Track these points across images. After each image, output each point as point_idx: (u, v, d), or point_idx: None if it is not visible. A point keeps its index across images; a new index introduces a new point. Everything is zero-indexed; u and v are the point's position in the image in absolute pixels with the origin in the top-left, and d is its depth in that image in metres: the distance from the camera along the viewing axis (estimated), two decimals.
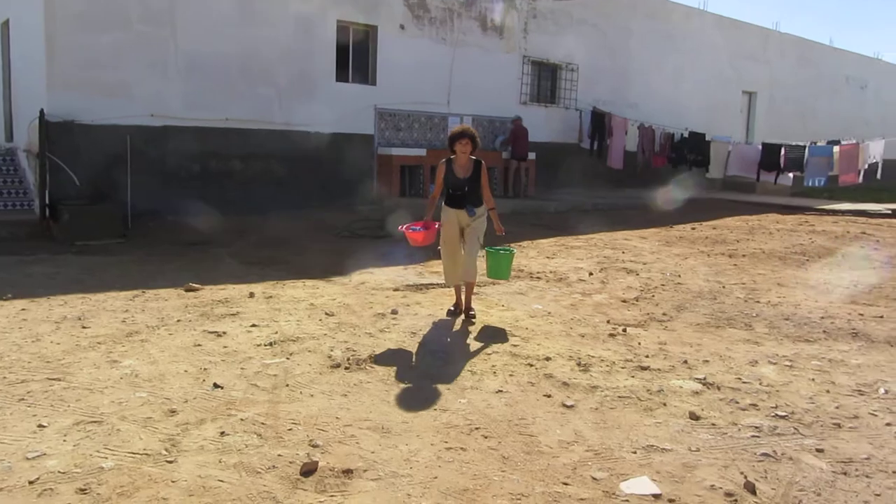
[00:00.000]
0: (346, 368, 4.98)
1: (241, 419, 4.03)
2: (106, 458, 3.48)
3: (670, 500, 3.28)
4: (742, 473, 3.55)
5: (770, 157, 17.40)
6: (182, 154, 12.03)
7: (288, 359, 5.13)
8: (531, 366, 5.15)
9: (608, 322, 6.47)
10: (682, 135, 18.77)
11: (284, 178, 13.30)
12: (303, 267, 8.76)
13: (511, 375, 4.94)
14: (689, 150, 18.46)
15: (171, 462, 3.47)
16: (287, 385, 4.61)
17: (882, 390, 4.81)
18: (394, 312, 6.52)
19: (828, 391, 4.77)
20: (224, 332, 5.71)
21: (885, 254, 10.19)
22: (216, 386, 4.53)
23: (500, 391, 4.64)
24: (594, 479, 3.47)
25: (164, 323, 5.98)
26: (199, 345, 5.40)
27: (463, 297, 6.47)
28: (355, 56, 14.42)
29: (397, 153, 14.57)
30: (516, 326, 6.21)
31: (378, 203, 14.37)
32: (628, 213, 14.79)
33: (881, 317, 6.75)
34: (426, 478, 3.43)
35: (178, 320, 6.07)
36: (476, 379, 4.84)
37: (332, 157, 14.02)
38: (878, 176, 17.69)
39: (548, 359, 5.29)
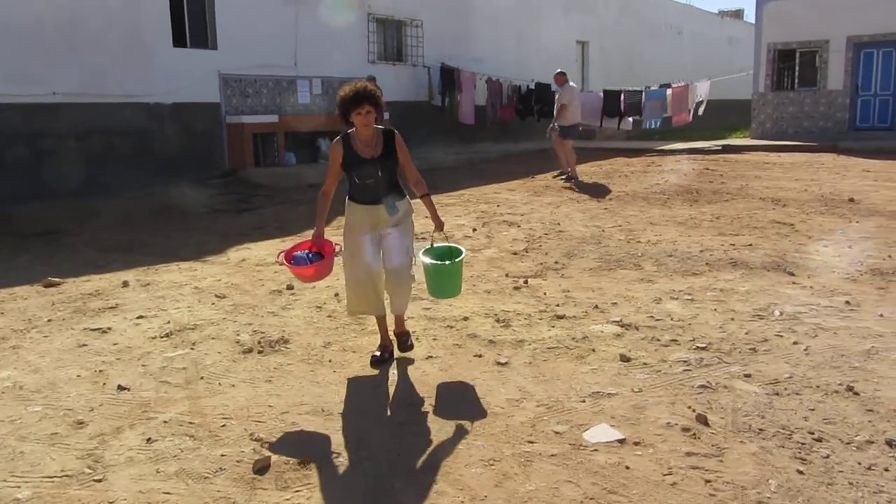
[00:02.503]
0: (260, 352, 4.64)
1: (164, 421, 3.63)
2: (18, 486, 3.01)
3: (636, 443, 3.31)
4: (689, 407, 3.66)
5: (611, 103, 18.18)
6: (6, 135, 10.69)
7: (192, 349, 4.71)
8: (451, 327, 5.05)
9: (507, 275, 6.48)
10: (528, 86, 19.18)
11: (128, 155, 12.21)
12: (170, 249, 8.10)
13: (435, 339, 4.82)
14: (536, 101, 18.91)
15: (99, 481, 3.05)
16: (202, 378, 4.23)
17: (777, 312, 5.15)
18: (290, 288, 6.16)
19: (732, 319, 5.04)
20: (109, 328, 5.15)
21: (733, 186, 10.98)
22: (121, 388, 4.06)
23: (430, 357, 4.50)
24: (556, 433, 3.44)
25: (32, 325, 5.30)
26: (83, 345, 4.82)
27: (389, 327, 4.59)
28: (192, 19, 13.39)
29: (248, 121, 13.79)
30: (419, 289, 6.06)
31: (232, 175, 13.62)
32: (488, 167, 14.97)
33: (751, 245, 7.25)
34: (389, 457, 3.26)
35: (49, 320, 5.40)
36: None
37: (178, 130, 13.04)
38: (700, 112, 19.02)
39: (465, 319, 5.21)
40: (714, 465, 3.11)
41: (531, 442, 3.36)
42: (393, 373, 4.25)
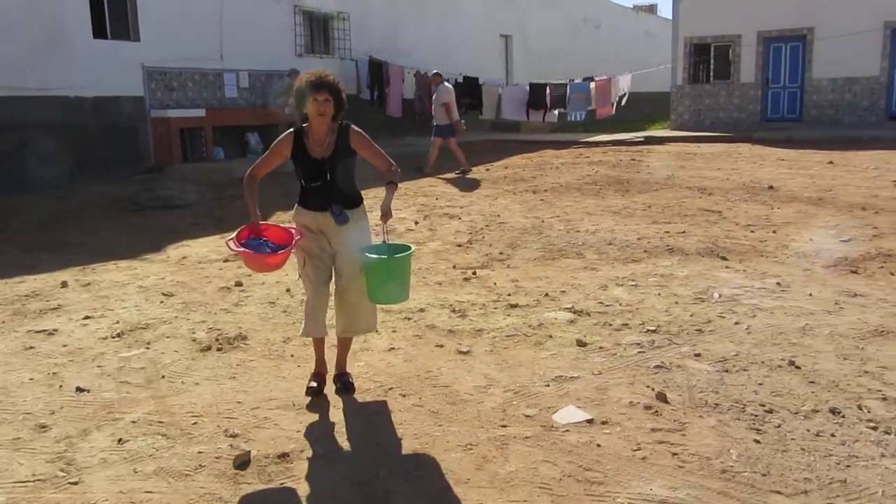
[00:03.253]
0: (219, 349, 4.60)
1: (132, 422, 3.58)
2: None
3: (603, 423, 3.47)
4: (648, 387, 3.85)
5: (537, 96, 18.53)
6: None
7: (148, 348, 4.62)
8: (408, 319, 5.11)
9: (455, 267, 6.58)
10: (456, 80, 19.29)
11: (47, 151, 11.71)
12: (104, 247, 7.86)
13: (394, 331, 4.88)
14: (464, 95, 19.06)
15: (76, 483, 3.00)
16: (163, 377, 4.17)
17: (716, 295, 5.43)
18: (238, 285, 6.10)
19: (676, 303, 5.29)
20: (55, 330, 4.99)
21: (660, 176, 11.41)
22: (80, 390, 3.96)
23: (393, 348, 4.57)
24: (527, 416, 3.57)
25: None
26: (30, 347, 4.67)
27: (332, 358, 4.08)
28: (112, 10, 12.92)
29: (174, 115, 13.44)
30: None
31: (159, 170, 13.25)
32: (420, 161, 15.01)
33: (684, 232, 7.58)
34: (369, 447, 3.31)
35: None
36: (361, 340, 4.69)
37: (100, 124, 12.60)
38: (623, 104, 19.64)
39: (421, 310, 5.29)
40: (678, 438, 3.29)
41: (504, 426, 3.47)
42: (358, 365, 4.29)
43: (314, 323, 3.86)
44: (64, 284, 6.19)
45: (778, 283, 5.68)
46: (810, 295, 5.35)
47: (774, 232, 7.45)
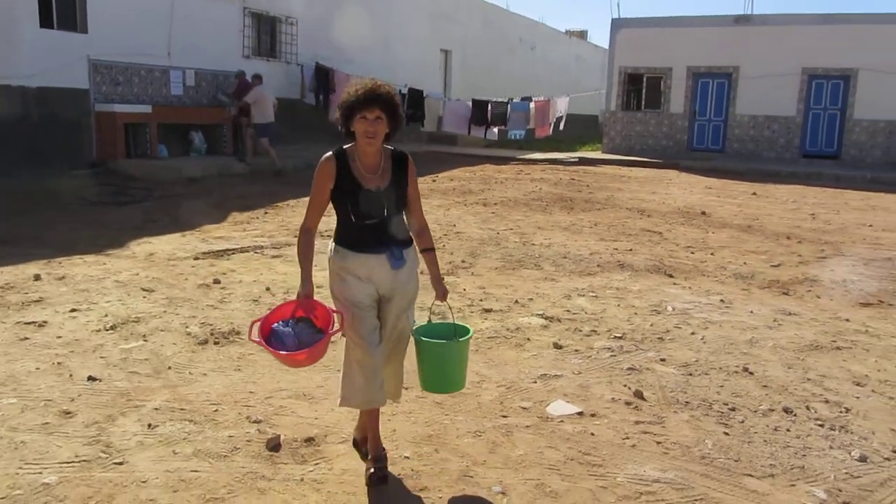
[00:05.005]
0: (216, 343, 4.80)
1: (155, 409, 3.77)
2: (40, 472, 3.09)
3: (592, 415, 3.90)
4: (625, 386, 4.30)
5: (479, 112, 19.09)
6: None
7: (146, 341, 4.77)
8: None
9: (421, 273, 6.89)
10: (401, 91, 19.64)
11: None
12: (64, 242, 7.82)
13: None
14: (408, 106, 19.42)
15: (121, 463, 3.19)
16: (169, 368, 4.35)
17: (670, 308, 5.97)
18: (217, 282, 6.26)
19: (635, 313, 5.79)
20: (45, 322, 5.05)
21: (600, 196, 12.07)
22: (92, 379, 4.10)
23: None
24: (523, 408, 3.96)
25: None
26: (25, 338, 4.73)
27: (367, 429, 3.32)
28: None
29: (120, 110, 13.29)
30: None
31: (102, 165, 13.06)
32: None
33: (631, 250, 8.16)
34: (386, 432, 3.60)
35: None
36: None
37: (42, 115, 12.34)
38: (561, 127, 20.49)
39: None
40: (660, 430, 3.74)
41: (504, 416, 3.85)
42: None
43: (372, 389, 3.12)
44: (37, 277, 6.19)
45: (721, 300, 6.27)
46: (751, 312, 5.96)
47: (712, 254, 8.13)
